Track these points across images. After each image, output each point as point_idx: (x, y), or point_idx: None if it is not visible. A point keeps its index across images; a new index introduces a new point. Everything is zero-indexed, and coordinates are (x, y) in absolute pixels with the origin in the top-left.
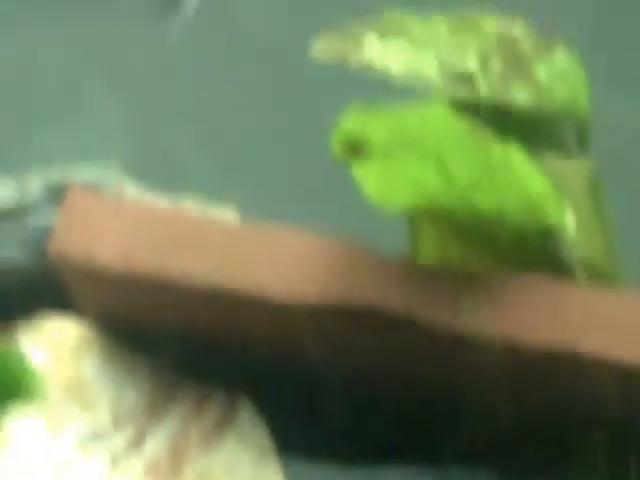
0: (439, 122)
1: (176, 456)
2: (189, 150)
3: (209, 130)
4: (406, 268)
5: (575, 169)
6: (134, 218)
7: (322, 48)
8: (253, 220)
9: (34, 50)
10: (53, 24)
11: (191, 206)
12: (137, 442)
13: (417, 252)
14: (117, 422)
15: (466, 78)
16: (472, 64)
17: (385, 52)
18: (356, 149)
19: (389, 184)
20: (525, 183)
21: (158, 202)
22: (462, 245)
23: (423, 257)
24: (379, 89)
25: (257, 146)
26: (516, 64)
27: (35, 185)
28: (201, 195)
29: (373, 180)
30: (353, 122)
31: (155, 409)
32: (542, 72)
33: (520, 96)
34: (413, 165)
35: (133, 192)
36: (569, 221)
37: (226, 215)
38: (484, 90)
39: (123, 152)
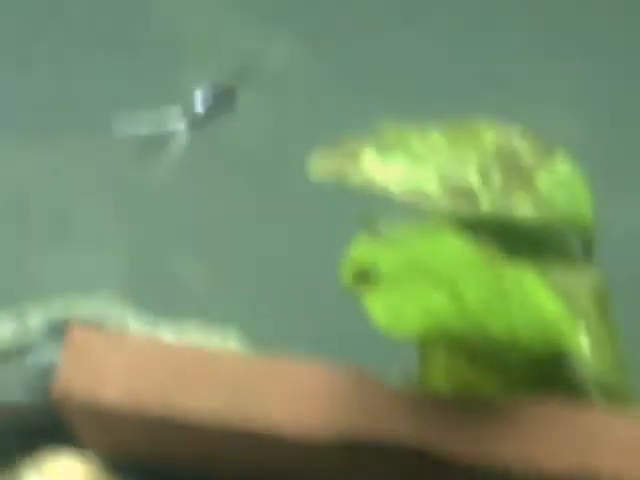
0: (450, 248)
1: None
2: (189, 271)
3: (210, 251)
4: (416, 396)
5: (581, 279)
6: (138, 354)
7: (320, 165)
8: (257, 344)
9: (31, 177)
10: (50, 149)
11: (195, 333)
12: None
13: (426, 377)
14: None
15: (467, 193)
16: (472, 178)
17: (384, 169)
18: (365, 277)
19: (399, 311)
20: (539, 306)
21: (161, 332)
22: (473, 369)
23: (433, 382)
24: (381, 203)
25: (259, 267)
26: (517, 175)
27: (35, 321)
28: (203, 318)
29: (382, 307)
30: (362, 251)
31: None
32: (543, 182)
33: (522, 208)
34: (424, 292)
35: (136, 323)
36: (583, 341)
37: (230, 340)
38: (485, 205)
39: (122, 274)
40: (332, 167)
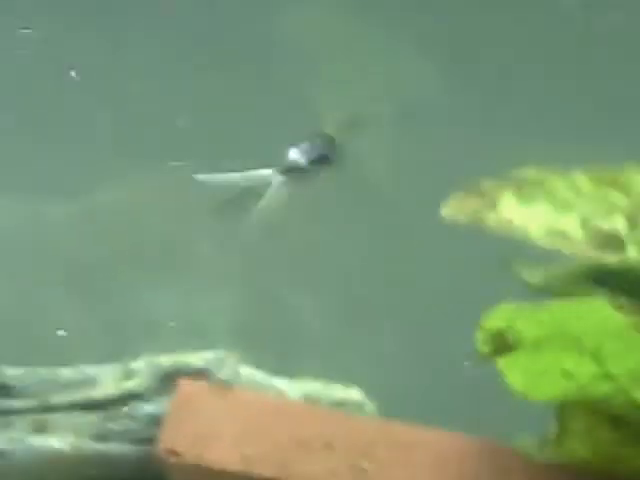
0: (595, 313)
1: None
2: (307, 318)
3: (330, 298)
4: (552, 464)
5: None
6: (250, 411)
7: (454, 208)
8: (381, 406)
9: (143, 203)
10: (162, 177)
11: (313, 390)
12: None
13: (564, 444)
14: None
15: (613, 239)
16: (619, 224)
17: (524, 213)
18: (503, 343)
19: (537, 376)
20: None
21: (276, 387)
22: (617, 437)
23: (571, 449)
24: (512, 246)
25: (384, 318)
26: None
27: (144, 370)
28: (323, 371)
29: (520, 372)
30: (501, 317)
31: None
32: None
33: None
34: (566, 358)
35: (248, 377)
36: None
37: (352, 400)
38: (632, 252)
39: (235, 315)
40: (467, 209)
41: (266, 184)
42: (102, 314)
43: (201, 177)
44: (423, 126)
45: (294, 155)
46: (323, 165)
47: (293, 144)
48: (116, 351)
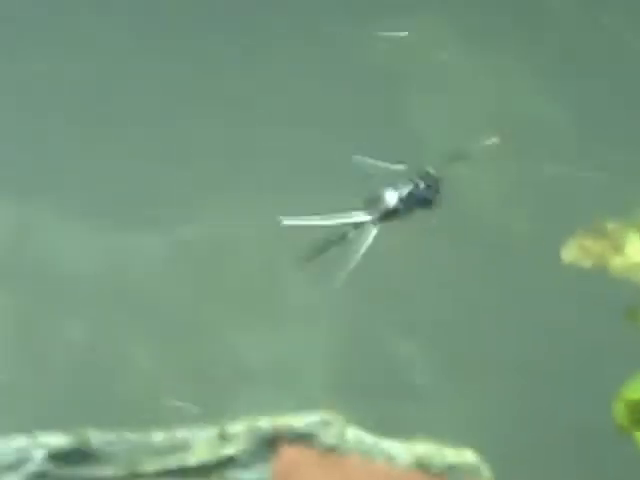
0: None
1: None
2: (412, 368)
3: (438, 346)
4: None
5: None
6: (354, 477)
7: (577, 250)
8: (495, 467)
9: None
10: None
11: (425, 452)
12: None
13: None
14: None
15: None
16: None
17: None
18: None
19: None
20: None
21: (386, 450)
22: None
23: None
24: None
25: (498, 368)
26: None
27: (241, 432)
28: (432, 430)
29: None
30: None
31: None
32: None
33: None
34: None
35: (355, 439)
36: None
37: (466, 464)
38: None
39: (333, 365)
40: (590, 251)
41: (360, 229)
42: (187, 360)
43: (288, 222)
44: (535, 159)
45: (391, 198)
46: (425, 209)
47: (391, 184)
48: (206, 403)
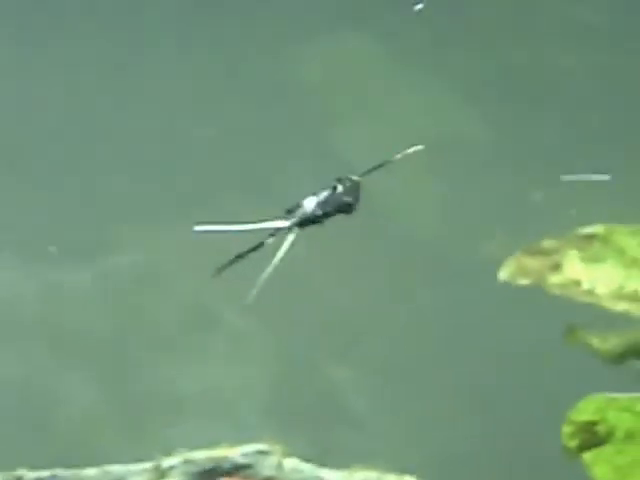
0: None
1: None
2: (346, 390)
3: (371, 365)
4: None
5: None
6: None
7: (515, 269)
8: None
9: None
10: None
11: (364, 478)
12: None
13: None
14: None
15: None
16: None
17: (591, 273)
18: (590, 437)
19: (628, 468)
20: None
21: (324, 477)
22: None
23: None
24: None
25: (432, 393)
26: None
27: (178, 471)
28: (373, 458)
29: (608, 466)
30: (591, 410)
31: None
32: None
33: None
34: None
35: (293, 469)
36: None
37: None
38: None
39: (267, 388)
40: (529, 270)
41: (279, 236)
42: (121, 394)
43: (199, 228)
44: (462, 167)
45: (309, 204)
46: (344, 213)
47: (313, 193)
48: (140, 437)
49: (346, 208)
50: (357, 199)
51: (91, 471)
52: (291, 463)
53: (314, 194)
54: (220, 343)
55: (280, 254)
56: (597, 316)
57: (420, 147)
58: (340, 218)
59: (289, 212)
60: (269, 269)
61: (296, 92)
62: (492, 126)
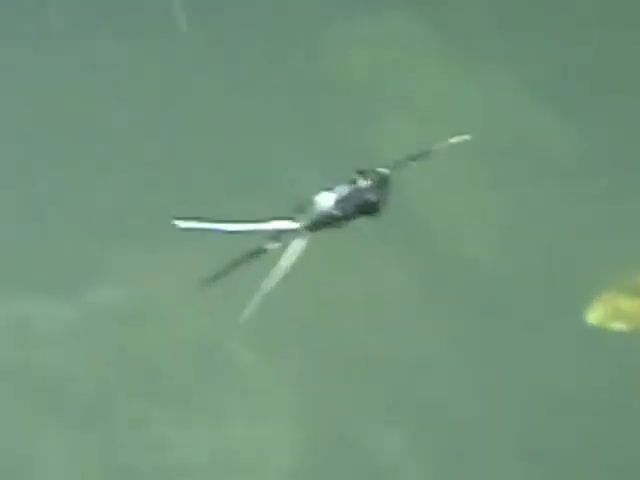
0: None
1: None
2: (389, 453)
3: (415, 422)
4: None
5: None
6: None
7: (607, 310)
8: None
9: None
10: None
11: None
12: None
13: None
14: None
15: None
16: None
17: None
18: None
19: None
20: None
21: None
22: None
23: None
24: None
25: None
26: None
27: None
28: None
29: None
30: None
31: None
32: None
33: None
34: None
35: None
36: None
37: None
38: None
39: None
40: (628, 313)
41: (284, 241)
42: (107, 462)
43: (183, 224)
44: (531, 176)
45: (325, 201)
46: (367, 215)
47: (328, 188)
48: None
49: (370, 208)
50: (385, 198)
51: None
52: None
53: (329, 189)
54: (232, 392)
55: (285, 265)
56: None
57: (467, 137)
58: (362, 222)
59: (298, 209)
60: (270, 284)
61: (330, 81)
62: (572, 128)
